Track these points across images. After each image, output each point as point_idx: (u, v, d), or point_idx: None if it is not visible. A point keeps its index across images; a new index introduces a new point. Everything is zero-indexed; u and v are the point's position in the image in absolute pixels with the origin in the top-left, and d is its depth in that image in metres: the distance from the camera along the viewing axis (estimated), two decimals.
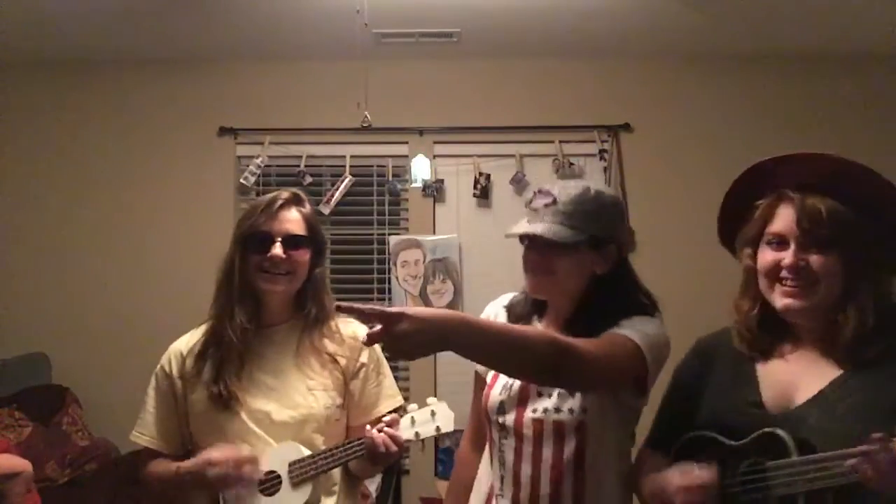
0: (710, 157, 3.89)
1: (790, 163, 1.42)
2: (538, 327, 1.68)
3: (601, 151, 3.93)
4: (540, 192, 1.62)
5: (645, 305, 1.61)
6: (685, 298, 3.86)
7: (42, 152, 3.97)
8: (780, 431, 1.29)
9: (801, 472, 1.25)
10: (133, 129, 4.00)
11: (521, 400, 1.63)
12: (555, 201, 1.58)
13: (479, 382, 1.78)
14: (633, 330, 1.50)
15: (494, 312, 1.78)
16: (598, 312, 1.57)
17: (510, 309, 1.74)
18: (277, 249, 1.74)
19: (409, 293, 3.91)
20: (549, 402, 1.60)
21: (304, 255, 1.78)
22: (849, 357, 1.35)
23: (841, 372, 1.35)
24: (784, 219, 1.39)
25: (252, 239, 1.77)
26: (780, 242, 1.39)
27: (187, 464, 1.71)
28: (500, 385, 1.68)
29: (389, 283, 3.93)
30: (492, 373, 1.71)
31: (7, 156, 3.97)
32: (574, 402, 1.57)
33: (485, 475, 1.75)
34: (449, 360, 3.83)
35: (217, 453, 1.66)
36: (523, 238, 1.63)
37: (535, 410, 1.61)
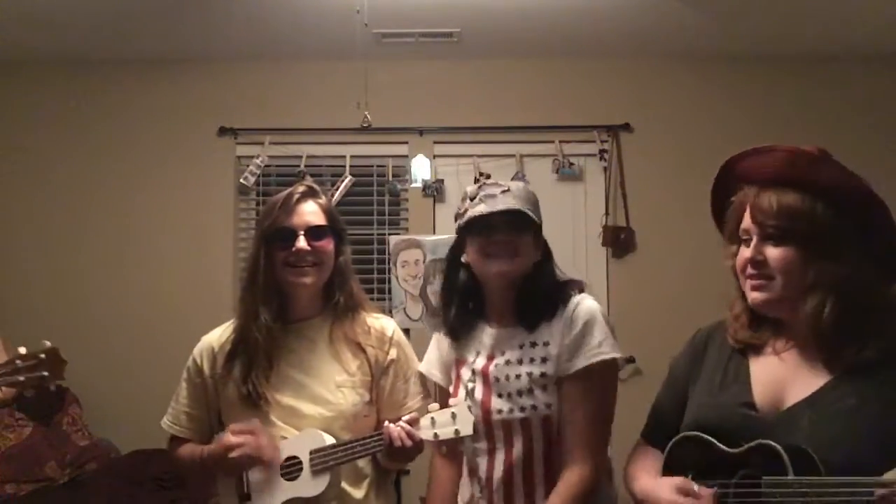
0: (710, 156, 3.85)
1: (748, 158, 1.44)
2: (487, 330, 1.74)
3: (601, 151, 3.93)
4: (486, 184, 1.71)
5: (568, 286, 1.73)
6: (685, 298, 3.87)
7: (41, 152, 3.97)
8: (777, 446, 1.26)
9: (798, 494, 1.22)
10: (133, 129, 4.00)
11: (484, 404, 1.68)
12: (508, 189, 1.68)
13: (438, 391, 1.84)
14: (602, 345, 1.64)
15: (437, 345, 1.85)
16: (540, 299, 1.69)
17: (452, 331, 1.78)
18: (302, 242, 1.76)
19: (409, 293, 3.90)
20: (512, 403, 1.65)
21: (328, 245, 1.80)
22: (837, 361, 1.34)
23: (832, 376, 1.34)
24: (747, 215, 1.41)
25: (275, 235, 1.78)
26: (748, 239, 1.41)
27: (209, 448, 1.78)
28: (462, 393, 1.73)
29: (389, 283, 3.92)
30: (453, 382, 1.77)
31: (6, 155, 3.97)
32: (536, 399, 1.64)
33: (464, 487, 1.80)
34: None
35: (235, 437, 1.70)
36: (476, 227, 1.67)
37: (500, 412, 1.66)
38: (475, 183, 1.75)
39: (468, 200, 1.70)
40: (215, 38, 3.74)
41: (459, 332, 1.77)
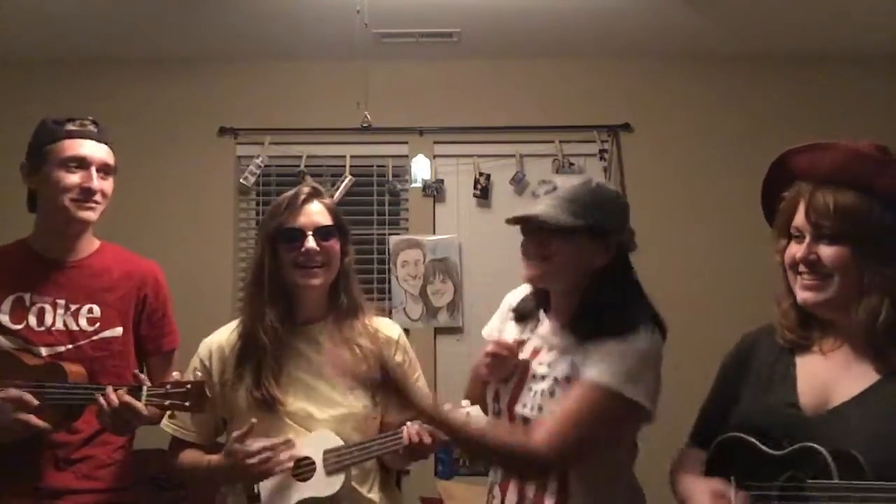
0: (710, 157, 3.89)
1: (805, 153, 1.41)
2: (546, 323, 1.69)
3: (601, 151, 3.93)
4: (545, 181, 1.66)
5: (631, 317, 1.57)
6: (686, 298, 3.87)
7: None
8: (822, 449, 1.25)
9: (843, 499, 1.20)
10: (133, 129, 3.99)
11: (513, 397, 1.67)
12: (555, 188, 1.62)
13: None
14: (603, 371, 1.50)
15: (501, 317, 1.81)
16: (601, 311, 1.58)
17: (517, 312, 1.76)
18: (311, 242, 1.76)
19: (409, 293, 3.91)
20: (534, 402, 1.63)
21: (336, 245, 1.82)
22: (885, 362, 1.33)
23: (879, 377, 1.33)
24: (800, 212, 1.38)
25: (283, 236, 1.78)
26: (800, 236, 1.38)
27: (217, 458, 1.75)
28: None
29: (389, 283, 3.93)
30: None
31: (6, 155, 3.97)
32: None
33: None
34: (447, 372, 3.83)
35: (254, 446, 1.67)
36: (523, 227, 1.65)
37: (524, 406, 1.64)
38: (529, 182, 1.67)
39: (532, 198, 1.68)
40: (215, 38, 3.74)
41: (526, 318, 1.74)
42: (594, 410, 1.49)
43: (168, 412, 1.81)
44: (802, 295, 1.38)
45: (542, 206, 1.60)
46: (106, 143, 2.07)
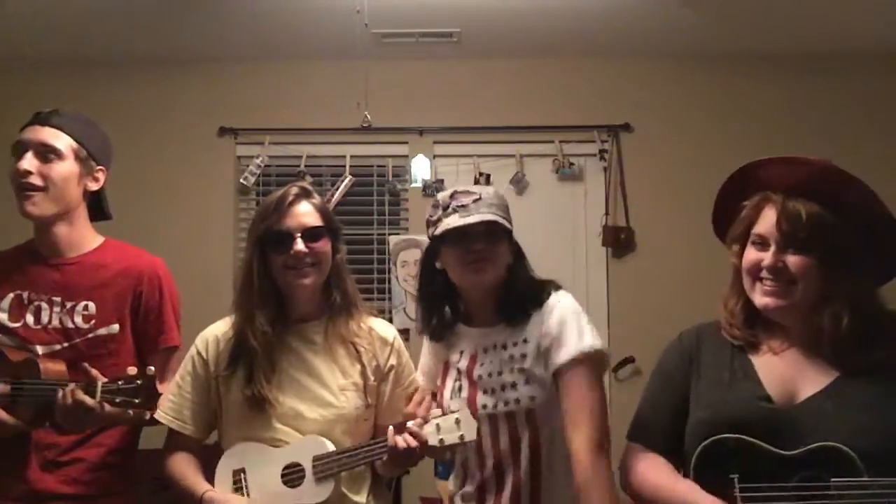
0: (710, 157, 3.88)
1: (773, 165, 1.46)
2: (468, 331, 1.80)
3: (601, 151, 3.93)
4: (458, 192, 1.75)
5: (546, 287, 1.77)
6: (685, 297, 3.87)
7: None
8: (844, 447, 1.27)
9: (876, 495, 1.21)
10: (133, 129, 3.99)
11: (471, 402, 1.73)
12: (480, 198, 1.72)
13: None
14: (585, 340, 1.67)
15: (427, 352, 1.92)
16: (521, 293, 1.75)
17: (433, 335, 1.85)
18: (300, 245, 1.75)
19: (409, 293, 3.91)
20: (496, 398, 1.70)
21: (325, 245, 1.80)
22: (843, 361, 1.38)
23: (839, 373, 1.38)
24: (766, 220, 1.43)
25: (271, 239, 1.77)
26: (763, 243, 1.43)
27: (191, 498, 1.78)
28: (449, 389, 1.79)
29: (389, 283, 3.93)
30: (439, 379, 1.84)
31: (6, 155, 3.97)
32: (520, 393, 1.68)
33: (453, 479, 1.87)
34: None
35: None
36: (451, 238, 1.72)
37: (485, 406, 1.71)
38: (451, 189, 1.78)
39: (440, 210, 1.75)
40: (215, 39, 3.74)
41: (441, 336, 1.83)
42: (598, 378, 1.67)
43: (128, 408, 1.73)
44: (763, 300, 1.42)
45: (485, 214, 1.69)
46: (56, 126, 1.97)
